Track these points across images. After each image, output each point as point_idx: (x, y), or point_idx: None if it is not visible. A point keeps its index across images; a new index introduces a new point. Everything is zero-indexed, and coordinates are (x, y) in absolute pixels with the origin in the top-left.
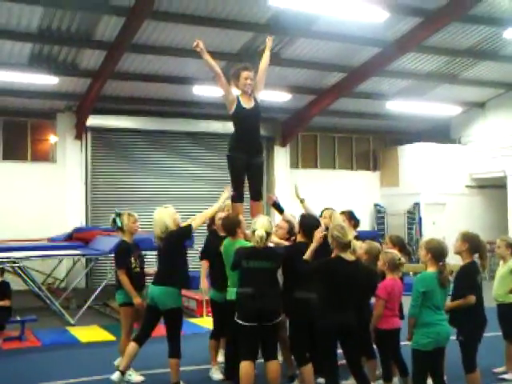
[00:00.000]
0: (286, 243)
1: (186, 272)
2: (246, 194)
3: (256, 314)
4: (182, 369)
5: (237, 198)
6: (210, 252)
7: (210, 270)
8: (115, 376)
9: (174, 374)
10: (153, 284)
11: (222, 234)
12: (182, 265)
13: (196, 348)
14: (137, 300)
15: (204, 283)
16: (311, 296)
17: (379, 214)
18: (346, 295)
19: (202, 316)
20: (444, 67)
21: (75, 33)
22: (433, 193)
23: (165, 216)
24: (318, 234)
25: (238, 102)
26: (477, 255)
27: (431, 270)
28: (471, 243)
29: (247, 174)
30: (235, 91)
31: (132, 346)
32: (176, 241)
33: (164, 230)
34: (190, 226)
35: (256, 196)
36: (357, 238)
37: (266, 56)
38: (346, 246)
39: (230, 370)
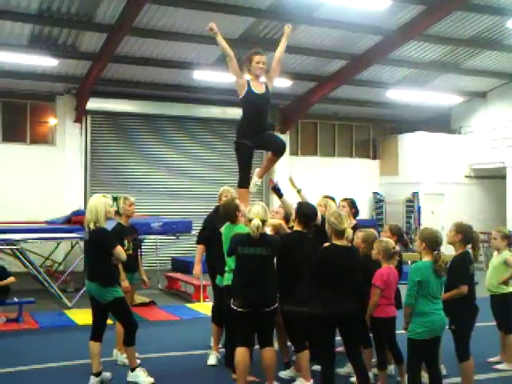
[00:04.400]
0: (284, 226)
1: (109, 267)
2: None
3: (251, 301)
4: (177, 354)
5: (242, 183)
6: (208, 236)
7: (209, 254)
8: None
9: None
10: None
11: None
12: (103, 260)
13: (193, 333)
14: (124, 283)
15: (197, 268)
16: (308, 285)
17: (378, 202)
18: (344, 282)
19: (199, 301)
20: (446, 56)
21: (75, 14)
22: (432, 182)
23: (99, 204)
24: None
25: (249, 86)
26: (469, 245)
27: (426, 259)
28: (464, 234)
29: (264, 146)
30: (247, 76)
31: (93, 344)
32: (96, 241)
33: (94, 220)
34: (106, 230)
35: (277, 151)
36: (356, 226)
37: (283, 44)
38: (341, 233)
39: (229, 358)
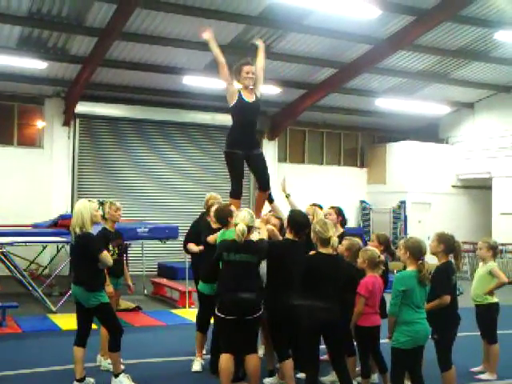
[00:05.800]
0: (277, 232)
1: (95, 272)
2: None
3: (235, 308)
4: (162, 360)
5: (235, 193)
6: (194, 240)
7: (194, 261)
8: None
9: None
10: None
11: (215, 226)
12: (89, 265)
13: (178, 339)
14: (108, 288)
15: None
16: (297, 294)
17: (365, 210)
18: (329, 290)
19: (184, 307)
20: (435, 66)
21: (66, 17)
22: (419, 192)
23: (84, 209)
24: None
25: (240, 94)
26: (452, 255)
27: (410, 268)
28: (446, 244)
29: (251, 167)
30: (237, 85)
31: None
32: (82, 246)
33: (80, 224)
34: (92, 235)
35: (266, 186)
36: (344, 234)
37: (261, 57)
38: (327, 241)
39: (214, 364)
